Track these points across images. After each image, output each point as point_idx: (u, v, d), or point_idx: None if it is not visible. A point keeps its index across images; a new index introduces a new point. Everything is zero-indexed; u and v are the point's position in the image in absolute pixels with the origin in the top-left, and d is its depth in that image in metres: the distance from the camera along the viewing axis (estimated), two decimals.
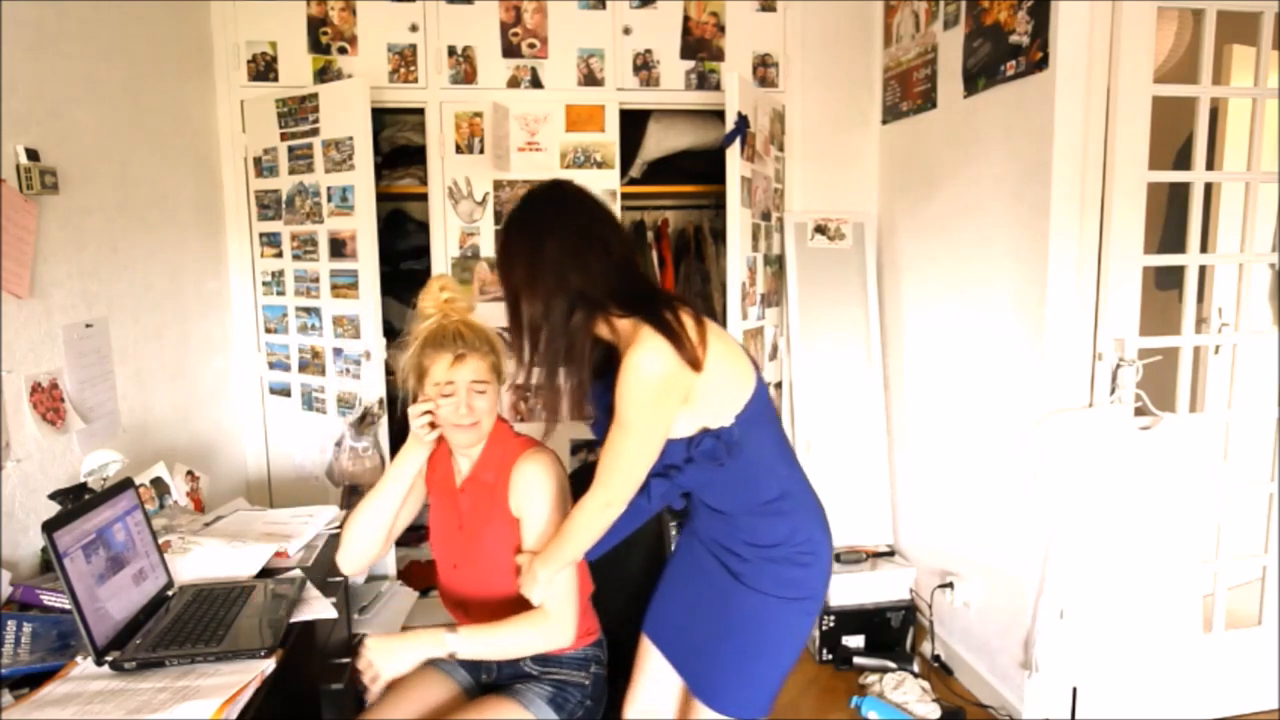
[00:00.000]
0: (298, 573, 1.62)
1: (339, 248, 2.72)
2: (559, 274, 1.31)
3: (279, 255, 2.87)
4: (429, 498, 1.64)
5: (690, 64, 2.99)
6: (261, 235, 2.89)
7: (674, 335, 1.25)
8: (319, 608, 1.50)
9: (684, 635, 1.51)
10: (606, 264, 1.33)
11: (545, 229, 1.35)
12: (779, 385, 3.21)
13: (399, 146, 3.16)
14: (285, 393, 2.93)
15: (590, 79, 2.93)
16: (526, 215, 1.40)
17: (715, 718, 1.44)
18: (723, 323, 2.97)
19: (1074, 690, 2.23)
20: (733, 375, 1.33)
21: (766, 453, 1.39)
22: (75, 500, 1.50)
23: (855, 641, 2.78)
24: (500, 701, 1.51)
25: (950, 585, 2.64)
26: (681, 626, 1.52)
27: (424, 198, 2.95)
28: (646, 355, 1.24)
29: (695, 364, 1.26)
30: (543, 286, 1.32)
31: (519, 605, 1.52)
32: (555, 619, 1.47)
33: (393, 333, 2.49)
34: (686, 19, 2.97)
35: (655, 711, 1.58)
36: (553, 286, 1.31)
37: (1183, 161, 2.46)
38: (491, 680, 1.61)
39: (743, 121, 2.60)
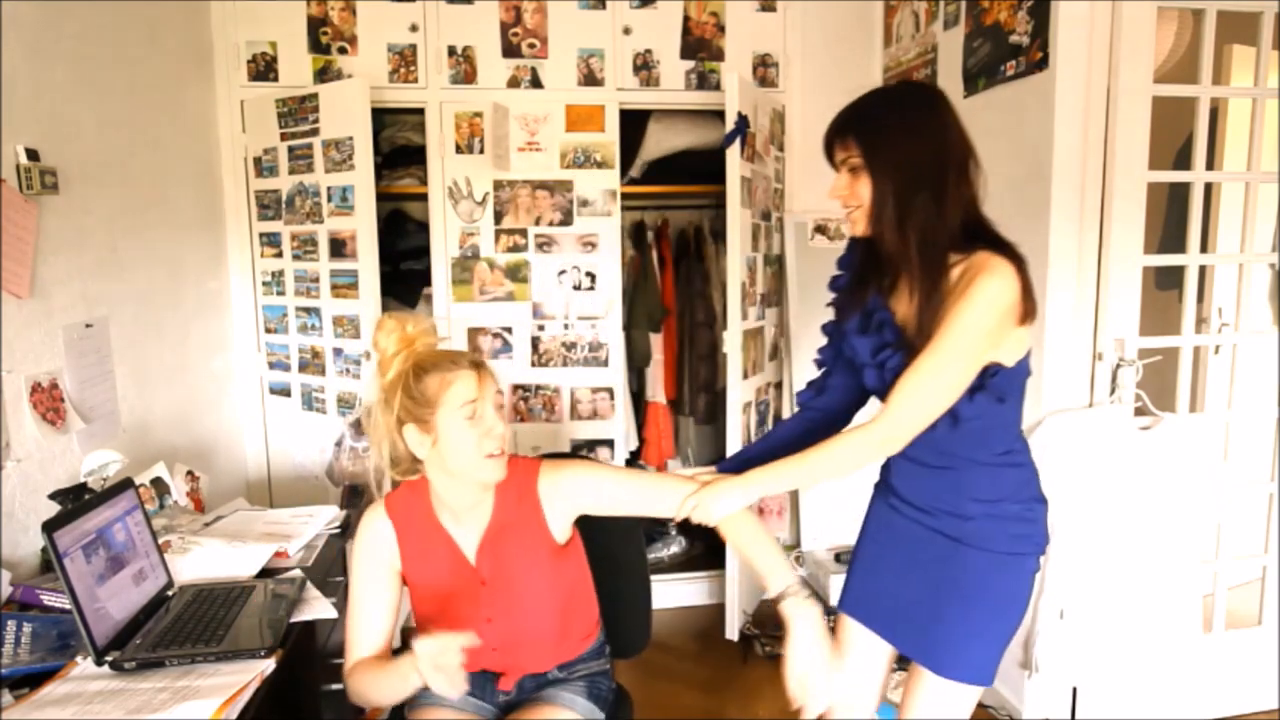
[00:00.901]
0: (298, 573, 1.62)
1: (339, 248, 2.72)
2: (941, 176, 1.26)
3: (279, 255, 2.86)
4: (417, 584, 1.43)
5: (690, 64, 2.99)
6: (261, 235, 2.89)
7: (1025, 277, 1.21)
8: (319, 608, 1.50)
9: (896, 606, 1.44)
10: (974, 193, 1.30)
11: (948, 125, 1.29)
12: (779, 385, 3.21)
13: (399, 146, 3.16)
14: (285, 393, 2.93)
15: (590, 79, 2.93)
16: (935, 105, 1.30)
17: (941, 686, 1.36)
18: (723, 323, 2.97)
19: (1074, 690, 2.23)
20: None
21: (1019, 402, 1.36)
22: (75, 500, 1.50)
23: None
24: (542, 709, 1.42)
25: None
26: (891, 598, 1.45)
27: (424, 198, 2.96)
28: (1001, 281, 1.19)
29: (1031, 314, 1.22)
30: (930, 187, 1.25)
31: (566, 629, 1.45)
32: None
33: None
34: (686, 19, 2.97)
35: (858, 686, 1.54)
36: (937, 189, 1.25)
37: (1183, 161, 2.46)
38: (513, 698, 1.49)
39: (743, 121, 2.61)
